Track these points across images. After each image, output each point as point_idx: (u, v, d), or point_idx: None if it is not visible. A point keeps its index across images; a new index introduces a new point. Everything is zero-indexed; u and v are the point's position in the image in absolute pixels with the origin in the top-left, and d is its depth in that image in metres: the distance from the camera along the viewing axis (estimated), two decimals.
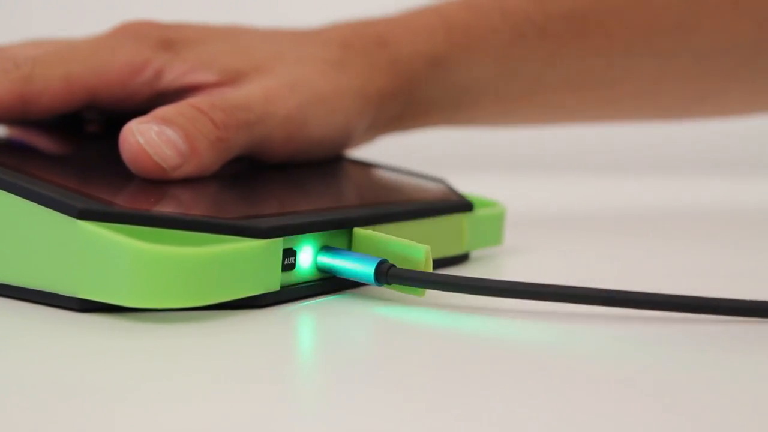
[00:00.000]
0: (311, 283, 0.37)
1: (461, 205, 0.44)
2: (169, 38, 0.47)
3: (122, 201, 0.36)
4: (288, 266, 0.36)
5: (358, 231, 0.37)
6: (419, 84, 0.52)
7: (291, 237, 0.35)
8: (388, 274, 0.36)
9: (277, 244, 0.35)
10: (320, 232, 0.37)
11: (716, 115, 0.65)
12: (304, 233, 0.36)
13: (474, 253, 0.46)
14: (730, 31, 0.58)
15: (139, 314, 0.34)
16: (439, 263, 0.43)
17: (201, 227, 0.34)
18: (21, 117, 0.44)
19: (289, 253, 0.36)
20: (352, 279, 0.37)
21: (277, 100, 0.46)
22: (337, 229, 0.37)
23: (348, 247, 0.38)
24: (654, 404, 0.28)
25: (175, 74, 0.46)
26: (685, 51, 0.58)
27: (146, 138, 0.40)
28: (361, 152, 0.54)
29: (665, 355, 0.32)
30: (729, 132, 0.86)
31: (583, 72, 0.56)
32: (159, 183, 0.40)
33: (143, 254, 0.32)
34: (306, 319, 0.35)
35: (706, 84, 0.60)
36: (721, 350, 0.33)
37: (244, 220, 0.35)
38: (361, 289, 0.38)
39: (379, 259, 0.36)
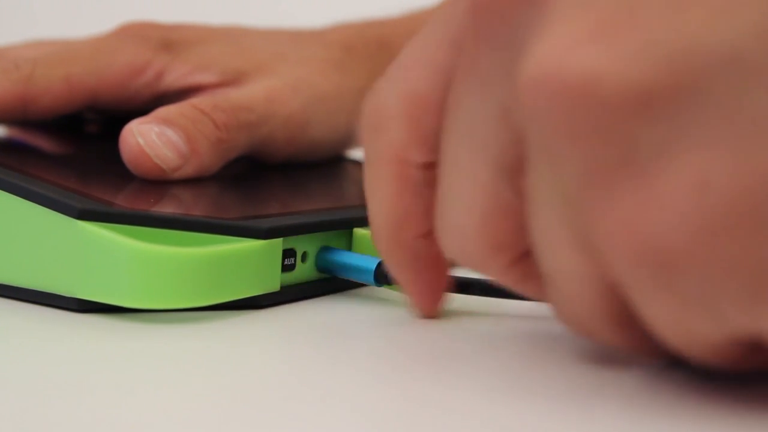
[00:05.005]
0: (311, 284, 0.37)
1: None
2: (170, 39, 0.47)
3: (122, 201, 0.36)
4: (288, 266, 0.35)
5: (359, 231, 0.37)
6: None
7: (291, 237, 0.35)
8: (388, 274, 0.36)
9: (277, 244, 0.35)
10: (320, 233, 0.37)
11: None
12: (304, 233, 0.36)
13: None
14: None
15: (138, 315, 0.34)
16: None
17: (201, 227, 0.34)
18: (21, 118, 0.44)
19: (289, 254, 0.36)
20: (352, 279, 0.36)
21: (278, 101, 0.46)
22: (338, 229, 0.37)
23: (348, 248, 0.38)
24: (653, 404, 0.28)
25: (176, 75, 0.46)
26: None
27: (146, 139, 0.40)
28: (361, 152, 0.54)
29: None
30: None
31: None
32: (159, 183, 0.40)
33: (143, 254, 0.32)
34: (306, 319, 0.35)
35: None
36: None
37: (244, 220, 0.35)
38: (361, 290, 0.38)
39: (379, 260, 0.36)
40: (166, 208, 0.36)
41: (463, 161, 0.29)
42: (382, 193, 0.32)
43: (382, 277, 0.36)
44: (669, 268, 0.24)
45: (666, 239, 0.24)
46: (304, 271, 0.36)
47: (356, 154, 0.52)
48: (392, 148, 0.31)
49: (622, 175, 0.25)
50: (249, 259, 0.34)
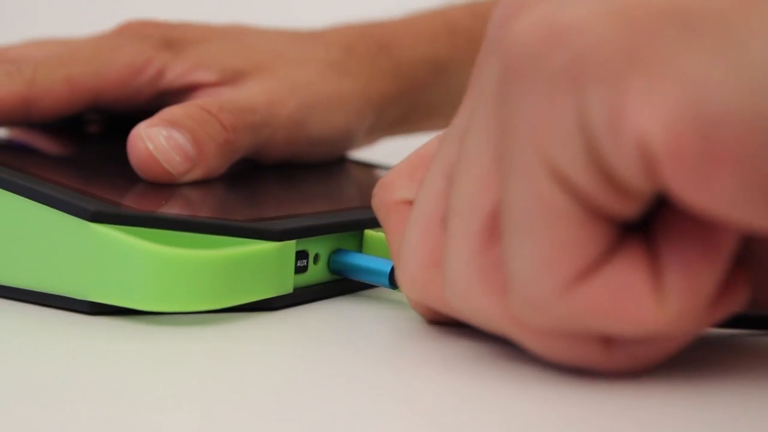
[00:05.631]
0: (323, 285, 0.37)
1: None
2: (170, 38, 0.47)
3: (131, 203, 0.36)
4: (301, 268, 0.35)
5: (369, 233, 0.37)
6: (421, 88, 0.52)
7: (304, 239, 0.35)
8: None
9: (291, 246, 0.35)
10: (332, 234, 0.36)
11: None
12: (317, 235, 0.36)
13: None
14: None
15: (151, 317, 0.33)
16: None
17: (214, 230, 0.34)
18: (24, 120, 0.44)
19: (302, 255, 0.35)
20: (366, 282, 0.36)
21: (278, 102, 0.46)
22: (349, 231, 0.37)
23: (359, 249, 0.37)
24: (652, 404, 0.28)
25: (176, 73, 0.46)
26: None
27: (155, 144, 0.40)
28: (363, 153, 0.53)
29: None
30: None
31: None
32: (166, 184, 0.40)
33: (156, 257, 0.32)
34: (319, 321, 0.35)
35: None
36: (723, 352, 0.33)
37: (256, 222, 0.34)
38: (373, 291, 0.38)
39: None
40: (177, 210, 0.36)
41: (431, 175, 0.31)
42: (391, 237, 0.33)
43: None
44: (558, 36, 0.27)
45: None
46: (316, 272, 0.36)
47: (359, 154, 0.52)
48: (393, 195, 0.33)
49: None
50: (262, 261, 0.34)
